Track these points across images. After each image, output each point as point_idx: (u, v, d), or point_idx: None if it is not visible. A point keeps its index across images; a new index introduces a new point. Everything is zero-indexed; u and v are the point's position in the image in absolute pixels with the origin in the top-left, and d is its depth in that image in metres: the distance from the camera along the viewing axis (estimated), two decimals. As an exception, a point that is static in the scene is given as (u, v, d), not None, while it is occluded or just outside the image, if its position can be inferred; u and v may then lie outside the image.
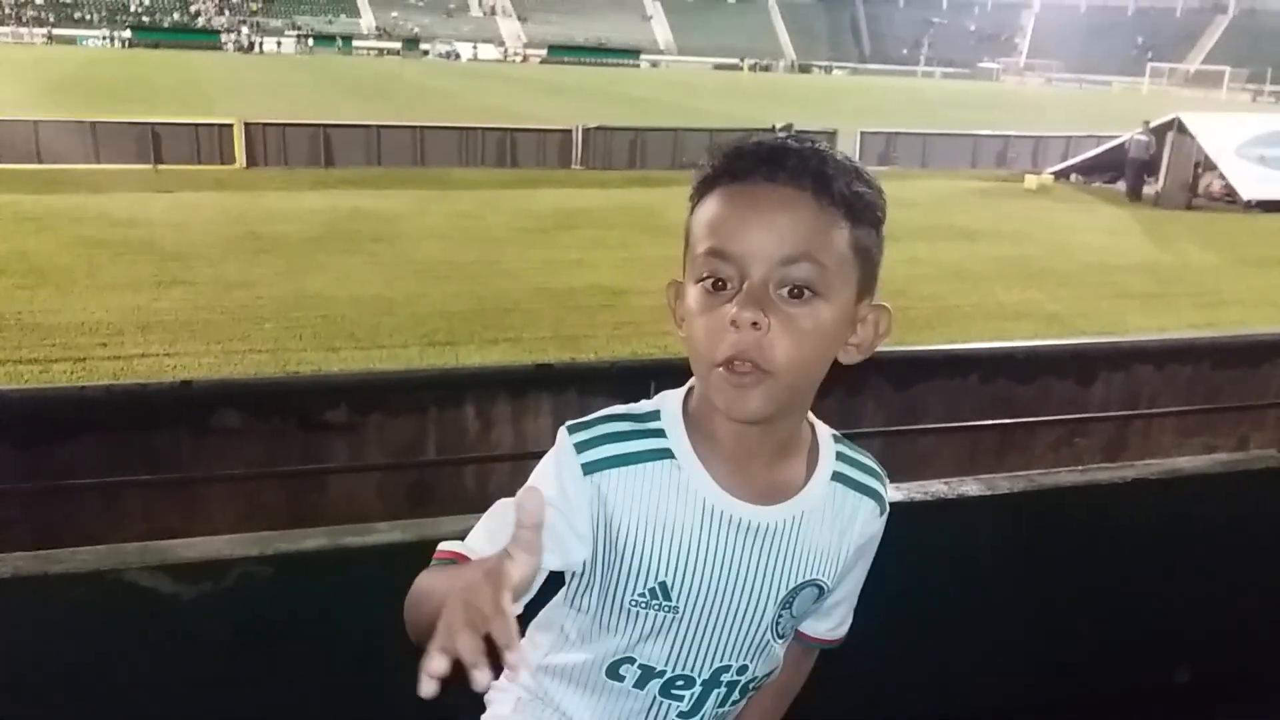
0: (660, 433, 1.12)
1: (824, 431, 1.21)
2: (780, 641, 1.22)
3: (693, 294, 1.06)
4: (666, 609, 1.12)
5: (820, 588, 1.19)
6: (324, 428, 4.90)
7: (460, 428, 4.53)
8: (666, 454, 1.11)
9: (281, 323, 9.39)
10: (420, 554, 2.16)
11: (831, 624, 1.33)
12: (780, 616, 1.18)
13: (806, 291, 1.03)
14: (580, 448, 1.10)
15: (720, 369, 1.03)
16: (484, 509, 2.48)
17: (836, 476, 1.18)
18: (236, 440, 4.74)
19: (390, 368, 7.66)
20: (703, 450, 1.12)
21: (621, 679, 1.17)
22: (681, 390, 1.16)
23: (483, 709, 1.31)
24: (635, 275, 10.94)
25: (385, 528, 2.16)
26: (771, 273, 1.02)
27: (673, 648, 1.15)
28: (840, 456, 1.20)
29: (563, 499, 1.09)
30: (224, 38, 74.43)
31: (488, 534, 1.13)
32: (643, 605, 1.12)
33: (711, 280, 1.04)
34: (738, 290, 1.02)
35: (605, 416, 1.13)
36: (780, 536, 1.14)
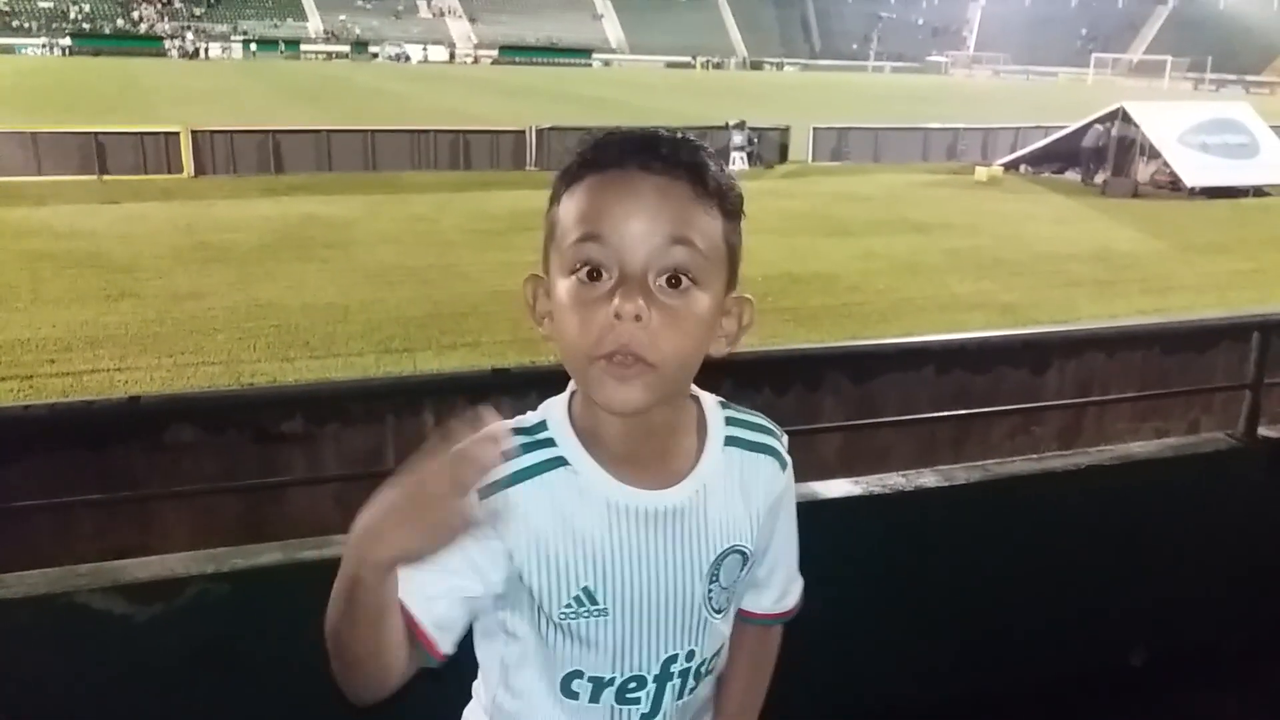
0: (550, 442, 1.12)
1: (709, 400, 1.21)
2: (719, 616, 1.20)
3: (564, 287, 1.04)
4: (597, 613, 1.12)
5: (742, 553, 1.19)
6: (280, 439, 4.83)
7: (419, 435, 4.48)
8: (561, 462, 1.11)
9: (234, 333, 9.26)
10: (379, 566, 2.14)
11: (774, 595, 1.31)
12: (710, 591, 1.17)
13: (685, 279, 1.02)
14: None
15: (601, 361, 1.02)
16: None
17: (730, 441, 1.19)
18: (190, 455, 4.66)
19: (346, 377, 7.59)
20: (594, 450, 1.11)
21: (576, 695, 1.16)
22: (564, 396, 1.15)
23: None
24: (592, 276, 10.88)
25: (343, 540, 2.13)
26: (651, 260, 1.01)
27: (615, 651, 1.14)
28: (730, 421, 1.20)
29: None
30: (167, 44, 73.22)
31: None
32: (573, 615, 1.12)
33: (586, 270, 1.02)
34: (614, 281, 1.01)
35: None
36: (688, 515, 1.14)
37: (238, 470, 4.78)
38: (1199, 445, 3.19)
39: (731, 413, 1.22)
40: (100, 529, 4.12)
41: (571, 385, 1.14)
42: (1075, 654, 2.97)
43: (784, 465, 1.24)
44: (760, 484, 1.21)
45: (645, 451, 1.12)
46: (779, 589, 1.32)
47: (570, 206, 1.06)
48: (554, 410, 1.15)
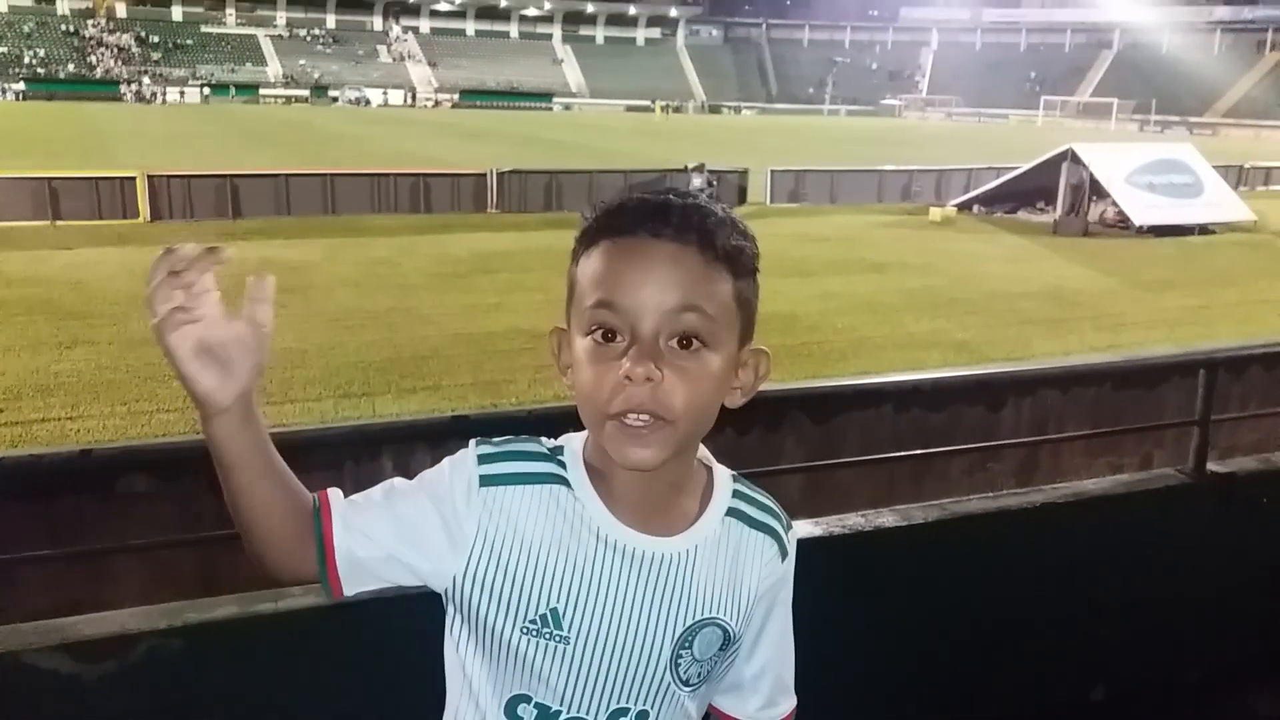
0: (561, 464, 1.16)
1: (722, 472, 1.23)
2: (687, 689, 1.18)
3: (582, 346, 1.09)
4: (558, 638, 1.12)
5: (723, 630, 1.17)
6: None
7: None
8: (565, 483, 1.14)
9: (190, 379, 9.12)
10: (336, 619, 2.12)
11: (759, 702, 1.28)
12: (680, 657, 1.15)
13: (695, 342, 1.06)
14: (483, 460, 1.14)
15: (614, 421, 1.06)
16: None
17: (732, 513, 1.20)
18: (143, 505, 4.57)
19: (304, 423, 7.50)
20: (599, 488, 1.14)
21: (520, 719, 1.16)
22: (584, 434, 1.18)
23: None
24: (555, 318, 10.87)
25: (299, 592, 2.11)
26: (661, 325, 1.05)
27: (567, 682, 1.13)
28: (737, 494, 1.22)
29: (448, 502, 1.13)
30: (123, 88, 72.73)
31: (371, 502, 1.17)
32: (534, 633, 1.12)
33: (601, 332, 1.07)
34: (627, 342, 1.05)
35: (515, 438, 1.18)
36: (674, 569, 1.14)
37: (193, 521, 4.70)
38: (1150, 481, 3.25)
39: (741, 488, 1.23)
40: (49, 584, 4.02)
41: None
42: (1035, 691, 2.99)
43: (784, 555, 1.23)
44: (755, 564, 1.20)
45: (647, 502, 1.14)
46: (765, 696, 1.28)
47: (587, 269, 1.10)
48: (573, 443, 1.18)
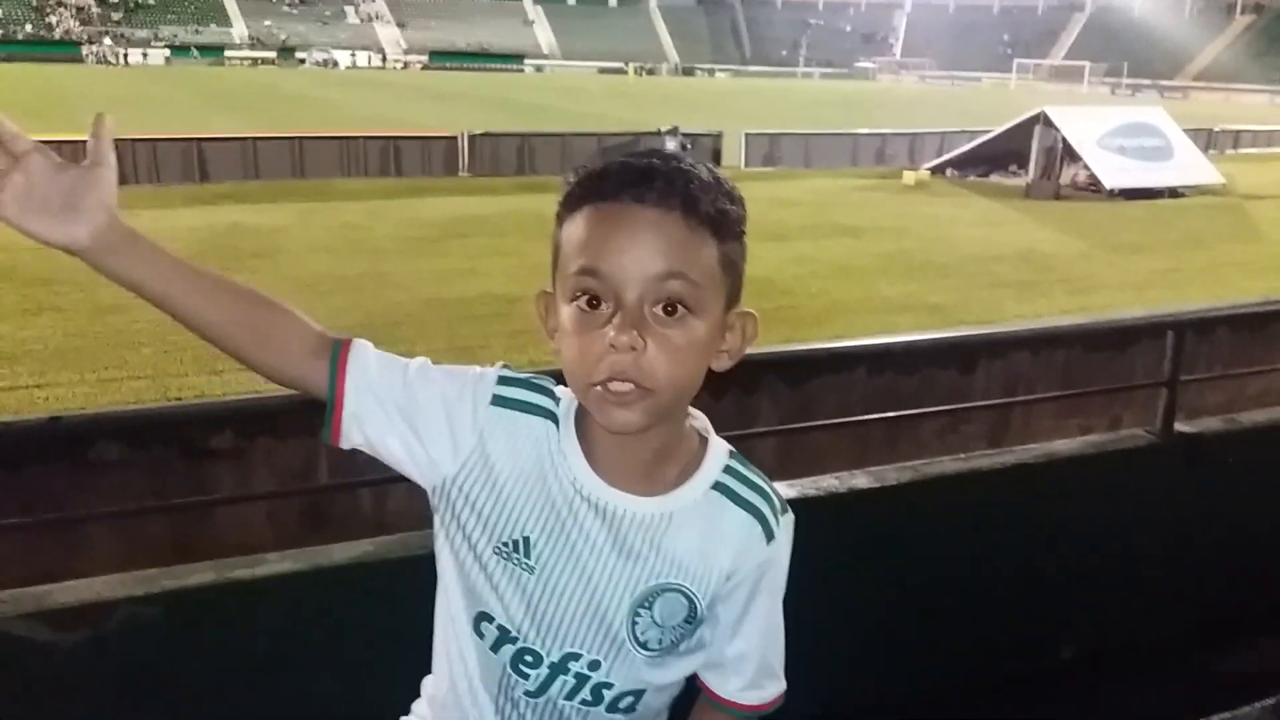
0: (556, 404, 1.19)
1: (719, 446, 1.22)
2: (645, 653, 1.18)
3: (566, 313, 1.09)
4: (525, 566, 1.16)
5: (688, 600, 1.17)
6: (209, 455, 4.73)
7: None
8: (554, 420, 1.18)
9: (160, 346, 9.01)
10: (313, 584, 2.12)
11: (741, 682, 1.27)
12: (638, 616, 1.17)
13: (680, 308, 1.06)
14: (501, 381, 1.18)
15: (598, 387, 1.07)
16: (380, 532, 2.42)
17: (718, 486, 1.19)
18: (115, 474, 4.53)
19: (275, 390, 7.44)
20: (583, 441, 1.17)
21: (482, 636, 1.20)
22: None
23: None
24: (529, 282, 10.70)
25: (275, 558, 2.11)
26: (646, 292, 1.05)
27: (524, 613, 1.16)
28: (729, 470, 1.20)
29: (457, 404, 1.16)
30: (84, 50, 71.15)
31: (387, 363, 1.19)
32: (504, 555, 1.16)
33: (585, 299, 1.07)
34: (612, 309, 1.05)
35: (536, 374, 1.22)
36: (644, 529, 1.15)
37: (166, 489, 4.67)
38: (1119, 442, 3.29)
39: (736, 465, 1.21)
40: (21, 554, 3.99)
41: None
42: (1006, 649, 3.05)
43: (770, 538, 1.20)
44: (733, 541, 1.18)
45: (626, 463, 1.15)
46: (748, 678, 1.27)
47: (570, 235, 1.10)
48: (569, 395, 1.18)
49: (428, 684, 1.32)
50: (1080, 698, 3.09)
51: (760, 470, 1.24)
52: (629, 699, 1.21)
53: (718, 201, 1.08)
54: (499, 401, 1.17)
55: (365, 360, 1.17)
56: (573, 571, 1.15)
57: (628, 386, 1.06)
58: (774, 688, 1.30)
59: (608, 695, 1.20)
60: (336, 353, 1.17)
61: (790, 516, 1.24)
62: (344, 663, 2.12)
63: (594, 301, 1.06)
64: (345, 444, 1.18)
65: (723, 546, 1.18)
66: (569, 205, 1.11)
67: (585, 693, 1.19)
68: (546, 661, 1.18)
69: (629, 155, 1.10)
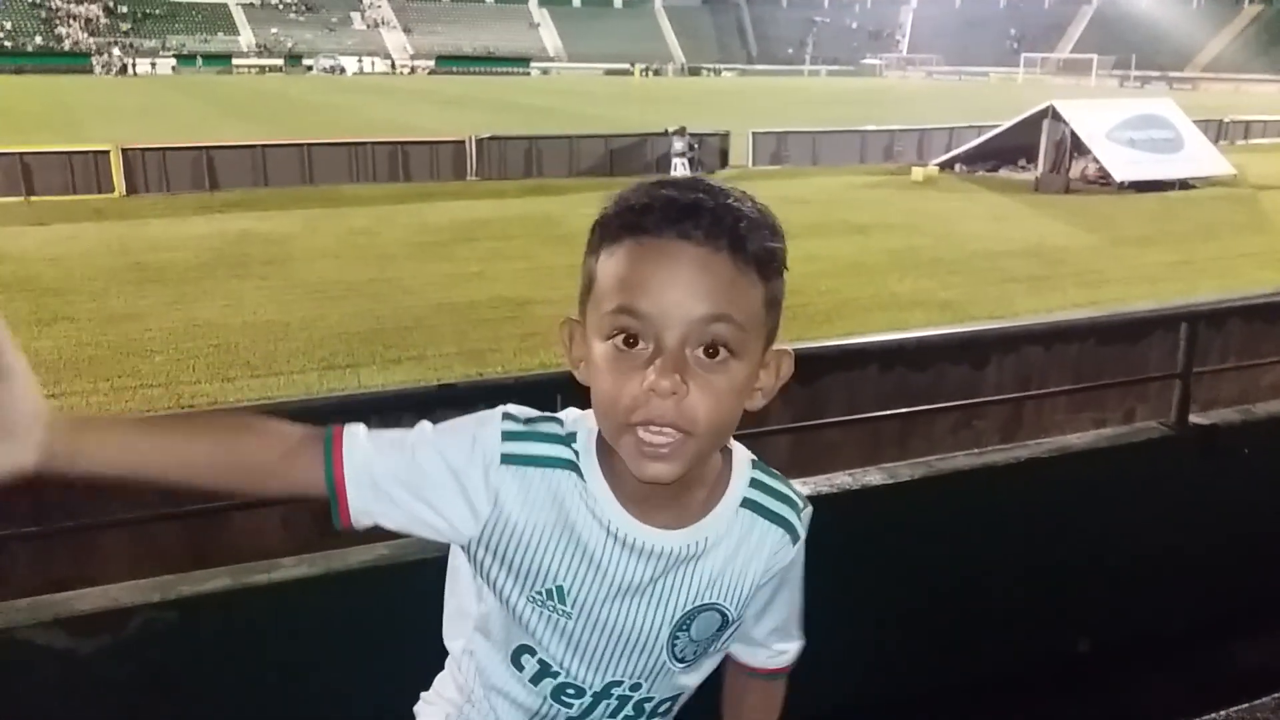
0: (574, 451, 1.13)
1: (741, 456, 1.20)
2: (681, 666, 1.21)
3: (600, 350, 1.04)
4: (561, 612, 1.14)
5: (722, 614, 1.19)
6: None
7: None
8: (576, 469, 1.12)
9: (172, 354, 9.07)
10: (328, 588, 2.12)
11: (768, 653, 1.32)
12: (676, 639, 1.18)
13: (723, 351, 1.01)
14: (507, 437, 1.11)
15: (633, 434, 1.02)
16: (396, 536, 2.42)
17: (747, 503, 1.18)
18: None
19: (288, 396, 7.47)
20: (610, 479, 1.12)
21: (522, 669, 1.19)
22: (591, 412, 1.15)
23: None
24: (538, 285, 10.85)
25: (291, 563, 2.11)
26: (688, 335, 1.00)
27: (565, 652, 1.17)
28: (755, 483, 1.19)
29: (467, 470, 1.09)
30: (94, 60, 71.52)
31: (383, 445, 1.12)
32: (539, 604, 1.14)
33: (623, 337, 1.01)
34: (651, 350, 1.00)
35: (541, 418, 1.15)
36: (680, 561, 1.14)
37: (179, 495, 4.68)
38: (1133, 434, 3.28)
39: (759, 475, 1.20)
40: (36, 562, 4.01)
41: None
42: (1023, 643, 3.04)
43: (795, 540, 1.22)
44: (764, 553, 1.19)
45: (656, 499, 1.12)
46: (774, 648, 1.33)
47: (608, 269, 1.03)
48: (584, 426, 1.14)
49: (446, 686, 1.31)
50: (1098, 691, 3.08)
51: (779, 473, 1.23)
52: (667, 704, 1.25)
53: (766, 240, 1.03)
54: (509, 460, 1.10)
55: (359, 449, 1.09)
56: (610, 614, 1.14)
57: (667, 433, 1.01)
58: (794, 647, 1.35)
59: (648, 708, 1.23)
60: (329, 448, 1.09)
61: (809, 510, 1.24)
62: (361, 665, 2.13)
63: (631, 340, 1.01)
64: (359, 527, 1.13)
65: (754, 560, 1.19)
66: (607, 237, 1.05)
67: (628, 709, 1.22)
68: (590, 692, 1.19)
69: (673, 187, 1.04)
